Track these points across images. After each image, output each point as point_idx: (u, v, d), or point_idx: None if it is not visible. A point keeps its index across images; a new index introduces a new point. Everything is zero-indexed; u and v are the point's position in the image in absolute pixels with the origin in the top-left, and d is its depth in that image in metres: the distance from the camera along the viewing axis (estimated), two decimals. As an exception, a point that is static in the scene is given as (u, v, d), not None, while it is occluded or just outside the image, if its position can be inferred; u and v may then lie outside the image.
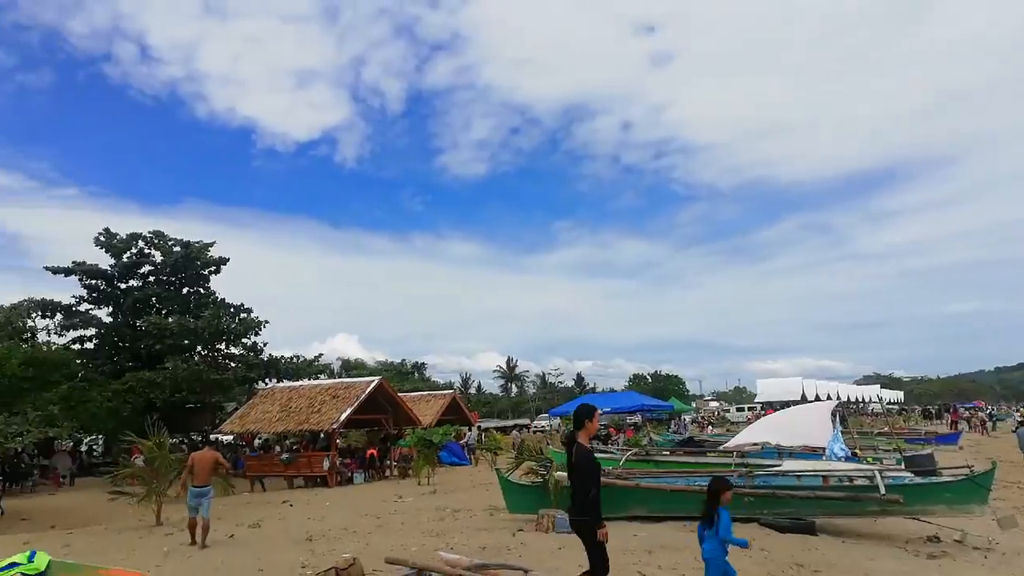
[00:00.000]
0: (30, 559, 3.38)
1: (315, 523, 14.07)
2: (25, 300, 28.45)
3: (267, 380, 34.17)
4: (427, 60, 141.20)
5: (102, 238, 34.68)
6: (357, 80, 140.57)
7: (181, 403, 33.05)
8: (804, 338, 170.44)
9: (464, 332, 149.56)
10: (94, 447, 37.97)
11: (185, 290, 36.86)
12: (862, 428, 31.29)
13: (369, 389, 25.80)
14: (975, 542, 9.95)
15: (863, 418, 48.48)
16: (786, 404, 34.67)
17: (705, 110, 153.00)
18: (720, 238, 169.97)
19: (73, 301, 34.44)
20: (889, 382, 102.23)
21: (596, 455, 6.04)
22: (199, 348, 34.40)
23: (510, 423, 54.52)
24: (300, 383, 29.94)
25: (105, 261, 34.96)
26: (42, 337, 33.62)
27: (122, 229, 35.58)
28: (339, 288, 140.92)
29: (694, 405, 77.47)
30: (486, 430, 41.90)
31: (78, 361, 34.55)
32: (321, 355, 40.65)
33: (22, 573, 3.28)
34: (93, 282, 34.88)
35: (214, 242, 36.57)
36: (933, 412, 56.16)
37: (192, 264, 35.90)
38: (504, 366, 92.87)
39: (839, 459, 13.96)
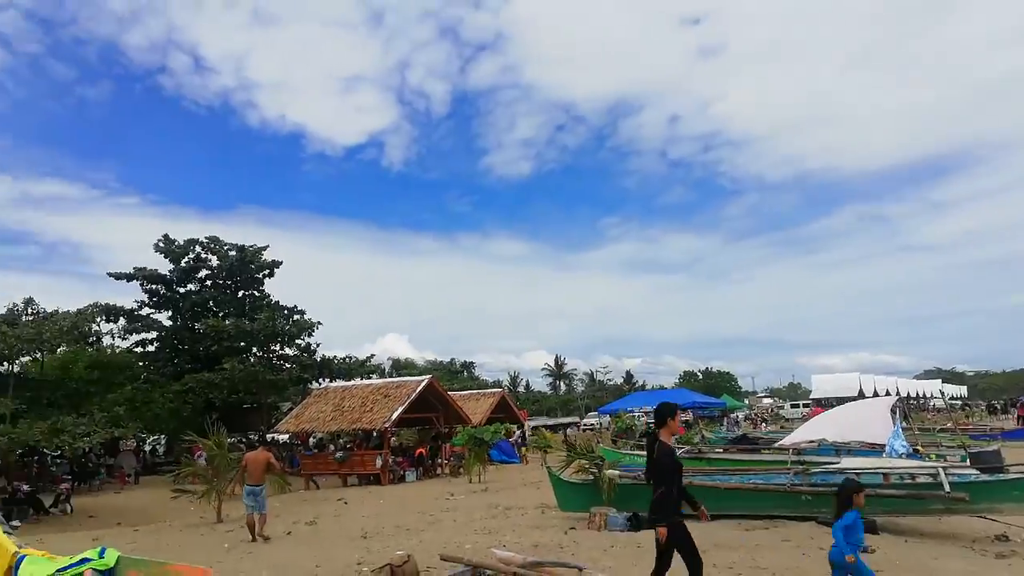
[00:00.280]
0: (100, 555, 3.51)
1: (369, 520, 14.27)
2: (90, 305, 29.58)
3: (320, 380, 34.78)
4: (471, 61, 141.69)
5: (161, 244, 35.85)
6: (402, 83, 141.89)
7: (238, 403, 33.98)
8: (861, 332, 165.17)
9: (512, 331, 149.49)
10: (157, 447, 39.27)
11: (240, 293, 37.82)
12: (923, 424, 30.27)
13: (419, 388, 26.07)
14: (1047, 542, 9.55)
15: (924, 414, 46.90)
16: (842, 400, 33.77)
17: (754, 102, 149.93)
18: (772, 231, 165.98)
19: (135, 306, 35.67)
20: (951, 377, 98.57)
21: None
22: (255, 349, 35.20)
23: (559, 421, 54.37)
24: (352, 383, 30.40)
25: (165, 266, 36.18)
26: (107, 341, 34.98)
27: (180, 235, 36.82)
28: (388, 289, 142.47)
29: (747, 402, 76.07)
30: (535, 428, 41.91)
31: (141, 363, 35.89)
32: (373, 356, 41.17)
33: (94, 569, 3.41)
34: (154, 287, 36.06)
35: (267, 246, 37.46)
36: (998, 407, 54.08)
37: (247, 268, 36.82)
38: (552, 364, 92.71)
39: (900, 456, 13.55)
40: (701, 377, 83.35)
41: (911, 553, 8.76)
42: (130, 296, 47.55)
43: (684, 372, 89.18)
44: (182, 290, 36.80)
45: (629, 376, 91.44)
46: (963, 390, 78.11)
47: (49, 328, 25.89)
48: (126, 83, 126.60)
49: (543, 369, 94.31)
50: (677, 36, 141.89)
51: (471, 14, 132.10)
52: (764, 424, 47.88)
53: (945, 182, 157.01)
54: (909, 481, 10.58)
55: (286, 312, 36.60)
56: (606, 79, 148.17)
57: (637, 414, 42.43)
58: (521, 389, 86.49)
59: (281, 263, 37.61)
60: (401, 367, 65.05)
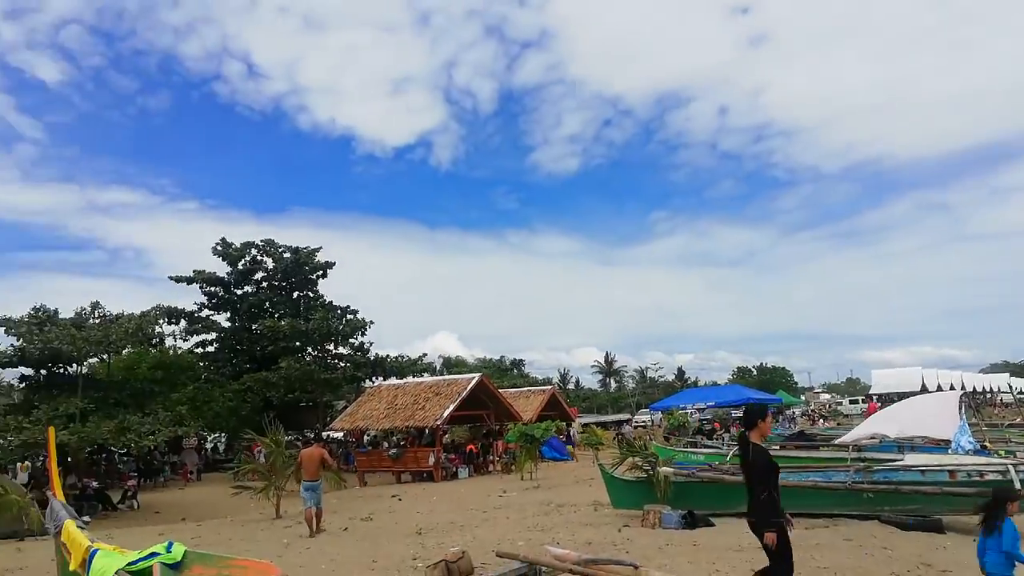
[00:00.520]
0: (168, 549, 3.61)
1: (423, 517, 14.42)
2: (153, 308, 30.56)
3: (374, 379, 35.28)
4: (517, 58, 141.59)
5: (219, 248, 36.89)
6: (449, 83, 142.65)
7: (295, 402, 34.72)
8: (923, 325, 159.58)
9: (561, 328, 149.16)
10: (217, 444, 40.41)
11: (295, 294, 38.62)
12: (991, 420, 29.16)
13: (471, 386, 26.22)
14: None
15: (992, 409, 45.15)
16: (903, 396, 32.75)
17: (805, 90, 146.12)
18: (827, 222, 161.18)
19: (195, 308, 36.88)
20: (1020, 370, 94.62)
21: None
22: (310, 349, 35.89)
23: (610, 418, 54.02)
24: (405, 381, 30.74)
25: (222, 269, 37.27)
26: (169, 342, 36.16)
27: (236, 238, 37.82)
28: (438, 287, 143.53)
29: (803, 398, 74.33)
30: (586, 426, 41.77)
31: (201, 364, 37.04)
32: (425, 355, 41.53)
33: (162, 563, 3.51)
34: (212, 289, 37.18)
35: (320, 247, 38.15)
36: (1073, 402, 51.63)
37: (301, 269, 37.59)
38: (602, 361, 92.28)
39: (967, 453, 13.09)
40: (755, 373, 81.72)
41: (980, 553, 8.43)
42: (190, 298, 49.22)
43: (737, 368, 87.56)
44: (239, 292, 37.82)
45: (681, 372, 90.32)
46: (1033, 384, 74.81)
47: (115, 331, 26.82)
48: (183, 91, 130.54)
49: (593, 366, 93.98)
50: (725, 26, 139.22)
51: (516, 12, 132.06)
52: (822, 421, 46.74)
53: (1009, 168, 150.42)
54: (977, 479, 10.22)
55: (339, 312, 37.21)
56: (653, 72, 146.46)
57: (690, 411, 41.92)
58: (571, 386, 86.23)
59: (334, 264, 38.36)
60: (452, 365, 65.56)
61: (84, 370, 27.78)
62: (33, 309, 27.84)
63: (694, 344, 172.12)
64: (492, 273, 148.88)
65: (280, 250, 37.64)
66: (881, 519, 9.79)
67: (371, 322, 36.49)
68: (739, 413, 40.86)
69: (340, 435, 31.62)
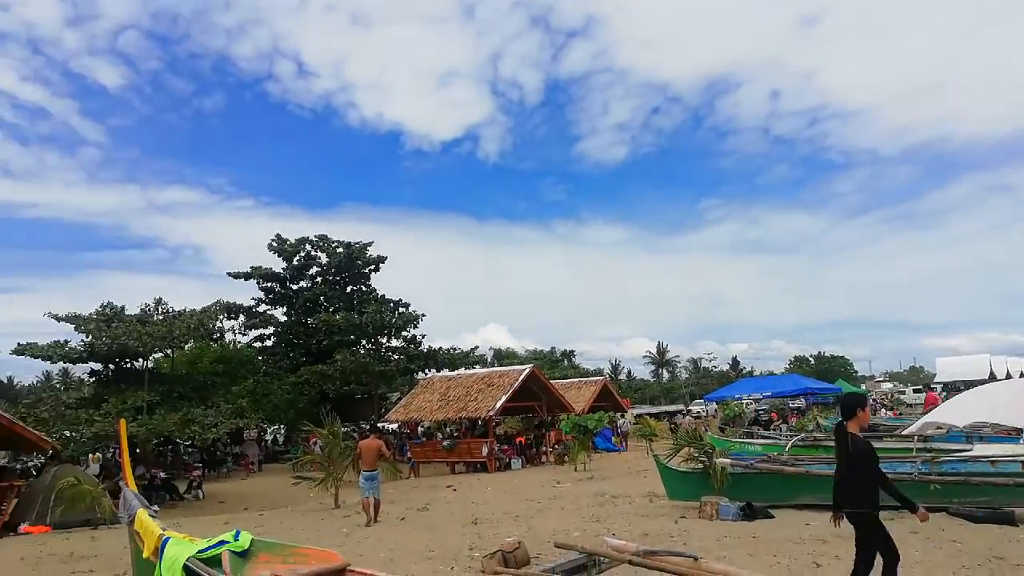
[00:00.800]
0: (236, 537, 3.73)
1: (479, 507, 14.53)
2: (214, 304, 31.52)
3: (427, 371, 35.67)
4: (562, 48, 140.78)
5: (274, 243, 37.75)
6: (495, 75, 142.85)
7: (350, 394, 35.39)
8: (989, 311, 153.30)
9: (612, 318, 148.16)
10: (277, 436, 41.48)
11: (349, 288, 39.26)
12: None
13: (522, 377, 26.28)
14: None
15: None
16: (970, 384, 31.55)
17: (861, 71, 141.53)
18: (886, 205, 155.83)
19: (253, 303, 37.83)
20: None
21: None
22: (364, 342, 36.47)
23: (662, 409, 53.51)
24: (457, 372, 31.02)
25: (278, 265, 38.10)
26: (228, 337, 37.24)
27: (290, 234, 38.70)
28: (487, 279, 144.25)
29: (864, 387, 72.31)
30: (639, 416, 41.47)
31: (260, 357, 38.00)
32: (476, 347, 41.79)
33: (230, 550, 3.62)
34: (269, 285, 38.09)
35: (372, 242, 38.73)
36: None
37: (354, 263, 38.20)
38: (654, 351, 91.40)
39: (1041, 443, 12.55)
40: (813, 362, 79.87)
41: (1058, 548, 8.09)
42: (247, 294, 50.37)
43: (795, 357, 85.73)
44: (295, 287, 38.64)
45: (735, 362, 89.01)
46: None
47: (178, 326, 27.74)
48: (237, 92, 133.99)
49: (645, 356, 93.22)
50: (775, 7, 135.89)
51: (561, 1, 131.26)
52: (884, 411, 45.36)
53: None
54: (1053, 470, 9.80)
55: (392, 305, 37.68)
56: (701, 57, 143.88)
57: (746, 401, 41.18)
58: (623, 377, 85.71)
59: (386, 258, 38.87)
60: (502, 357, 65.82)
61: (149, 365, 28.83)
62: (101, 306, 29.00)
63: (748, 333, 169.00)
64: (541, 264, 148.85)
65: (333, 245, 38.30)
66: (949, 511, 9.47)
67: (423, 315, 36.99)
68: (797, 403, 40.09)
69: (395, 426, 32.11)
